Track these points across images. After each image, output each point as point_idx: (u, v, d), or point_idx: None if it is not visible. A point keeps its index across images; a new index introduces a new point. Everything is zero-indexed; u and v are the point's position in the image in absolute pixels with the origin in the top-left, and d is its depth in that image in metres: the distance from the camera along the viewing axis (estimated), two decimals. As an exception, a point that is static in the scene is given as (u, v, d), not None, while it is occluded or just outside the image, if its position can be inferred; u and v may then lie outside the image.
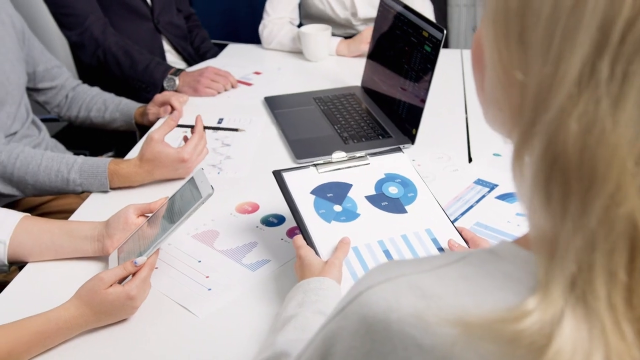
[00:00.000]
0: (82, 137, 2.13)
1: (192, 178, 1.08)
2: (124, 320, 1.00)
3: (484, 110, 0.55)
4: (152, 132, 1.32)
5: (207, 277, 1.09)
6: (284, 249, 1.16)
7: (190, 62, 2.25)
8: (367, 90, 1.79)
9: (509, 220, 1.22)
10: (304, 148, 1.48)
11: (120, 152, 1.85)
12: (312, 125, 1.61)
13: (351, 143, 1.51)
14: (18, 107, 1.59)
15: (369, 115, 1.65)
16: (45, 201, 1.60)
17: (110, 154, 2.11)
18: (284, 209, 1.27)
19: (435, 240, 1.06)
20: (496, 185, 1.33)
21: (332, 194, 1.10)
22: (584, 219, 0.40)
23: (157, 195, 1.32)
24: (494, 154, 1.46)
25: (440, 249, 1.04)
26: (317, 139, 1.54)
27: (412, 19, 1.52)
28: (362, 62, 2.03)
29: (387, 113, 1.64)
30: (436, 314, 0.46)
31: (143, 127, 1.79)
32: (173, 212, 1.04)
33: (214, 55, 2.32)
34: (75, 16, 1.94)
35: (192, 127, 1.39)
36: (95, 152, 1.97)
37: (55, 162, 1.33)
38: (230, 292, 1.05)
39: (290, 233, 1.20)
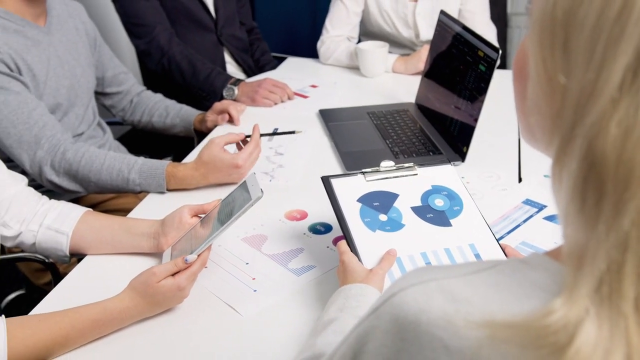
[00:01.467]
0: (143, 141, 2.22)
1: (244, 182, 1.12)
2: (171, 313, 1.04)
3: (523, 120, 0.56)
4: (214, 138, 1.38)
5: (254, 278, 1.13)
6: (329, 257, 1.19)
7: (249, 73, 2.32)
8: (420, 107, 1.81)
9: (556, 242, 1.22)
10: (354, 160, 1.51)
11: (178, 157, 1.92)
12: (364, 138, 1.64)
13: (402, 158, 1.53)
14: (86, 110, 1.68)
15: (421, 131, 1.67)
16: (104, 199, 1.68)
17: (168, 158, 2.19)
18: (331, 218, 1.30)
19: (477, 256, 1.06)
20: (545, 206, 1.33)
21: (379, 203, 1.12)
22: (618, 220, 0.41)
23: (210, 197, 1.37)
24: (545, 176, 1.46)
25: (483, 265, 1.05)
26: (368, 152, 1.57)
27: (469, 38, 1.53)
28: (417, 80, 2.05)
29: (439, 130, 1.66)
30: (464, 317, 0.48)
31: (201, 134, 1.86)
32: (225, 214, 1.08)
33: (273, 67, 2.39)
34: (144, 26, 2.03)
35: (248, 136, 1.44)
36: (154, 156, 2.05)
37: (117, 162, 1.40)
38: (275, 295, 1.09)
39: (336, 242, 1.23)
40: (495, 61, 1.41)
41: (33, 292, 1.65)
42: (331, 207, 1.30)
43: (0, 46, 1.39)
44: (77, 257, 1.23)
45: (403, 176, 1.17)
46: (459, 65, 1.58)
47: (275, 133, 1.54)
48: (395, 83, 2.08)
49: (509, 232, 1.25)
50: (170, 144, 2.24)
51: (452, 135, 1.58)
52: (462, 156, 1.51)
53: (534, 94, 0.52)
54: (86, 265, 1.19)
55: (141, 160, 1.41)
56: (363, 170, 1.17)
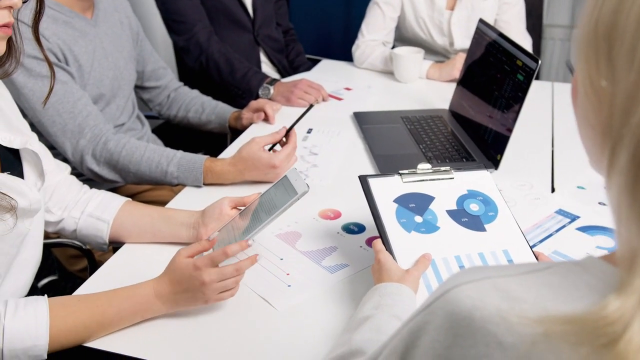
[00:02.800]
0: (174, 136, 2.26)
1: (286, 176, 1.14)
2: (211, 306, 1.06)
3: (585, 146, 0.58)
4: (257, 137, 1.41)
5: (288, 274, 1.15)
6: (363, 256, 1.20)
7: (283, 74, 2.35)
8: (454, 114, 1.83)
9: (589, 252, 1.22)
10: (388, 163, 1.53)
11: (209, 153, 1.96)
12: (397, 142, 1.66)
13: (435, 163, 1.54)
14: (126, 102, 1.72)
15: (454, 137, 1.68)
16: (140, 191, 1.71)
17: (199, 154, 2.23)
18: (364, 218, 1.32)
19: (511, 262, 1.07)
20: (578, 217, 1.33)
21: (414, 205, 1.13)
22: None
23: (245, 193, 1.40)
24: (578, 187, 1.46)
25: (517, 271, 1.06)
26: (402, 156, 1.58)
27: (507, 47, 1.54)
28: (451, 87, 2.07)
29: (472, 137, 1.67)
30: (519, 314, 0.50)
31: (236, 131, 1.88)
32: (267, 207, 1.11)
33: (308, 69, 2.41)
34: (185, 23, 2.07)
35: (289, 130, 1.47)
36: (185, 151, 2.09)
37: (157, 155, 1.43)
38: (309, 290, 1.11)
39: (369, 242, 1.25)
40: (534, 71, 1.41)
41: (66, 278, 1.69)
42: (365, 207, 1.31)
43: (49, 36, 1.43)
44: (115, 245, 1.26)
45: (439, 179, 1.18)
46: (496, 73, 1.58)
47: (299, 118, 1.55)
48: (429, 89, 2.10)
49: (541, 241, 1.26)
50: (201, 140, 2.27)
51: (485, 142, 1.59)
52: (495, 164, 1.52)
53: (583, 108, 0.54)
54: (124, 254, 1.22)
55: (180, 153, 1.44)
56: (400, 171, 1.18)
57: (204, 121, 1.90)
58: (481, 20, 1.75)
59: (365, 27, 2.25)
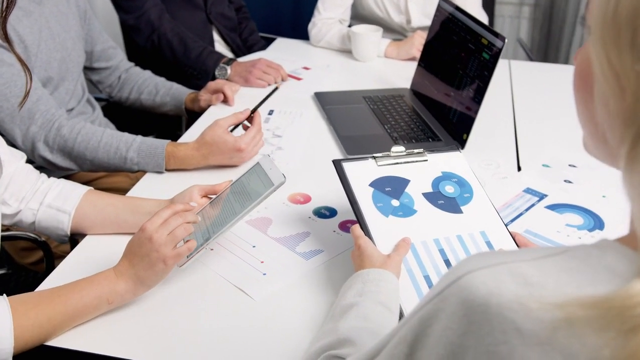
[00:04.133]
0: (124, 119, 2.17)
1: (258, 164, 1.10)
2: (181, 295, 1.02)
3: (588, 127, 0.57)
4: (219, 119, 1.35)
5: (262, 262, 1.11)
6: (337, 241, 1.18)
7: (237, 53, 2.28)
8: (416, 93, 1.81)
9: (559, 230, 1.23)
10: (354, 145, 1.50)
11: (161, 136, 1.89)
12: (362, 123, 1.63)
13: (401, 143, 1.52)
14: (76, 85, 1.63)
15: (418, 117, 1.67)
16: (95, 178, 1.63)
17: (151, 137, 2.15)
18: (335, 202, 1.29)
19: (489, 244, 1.07)
20: (546, 195, 1.34)
21: (390, 188, 1.11)
22: None
23: (209, 178, 1.35)
24: (543, 165, 1.47)
25: (495, 252, 1.05)
26: (368, 137, 1.56)
27: (471, 26, 1.53)
28: (410, 65, 2.05)
29: (436, 117, 1.66)
30: (538, 300, 0.48)
31: (192, 113, 1.82)
32: (241, 197, 1.06)
33: (262, 47, 2.35)
34: (134, 0, 1.97)
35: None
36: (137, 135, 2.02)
37: (115, 140, 1.36)
38: (285, 278, 1.08)
39: (343, 226, 1.22)
40: (500, 50, 1.41)
41: (18, 271, 1.60)
42: (335, 191, 1.29)
43: (-9, 15, 1.33)
44: (77, 236, 1.20)
45: (413, 162, 1.17)
46: (460, 52, 1.57)
47: (263, 100, 1.50)
48: (388, 68, 2.07)
49: (512, 220, 1.26)
50: (153, 122, 2.19)
51: (450, 122, 1.58)
52: (461, 143, 1.51)
53: (602, 95, 0.52)
54: (86, 246, 1.16)
55: (140, 138, 1.38)
56: (374, 154, 1.16)
57: (158, 103, 1.82)
58: (442, -2, 1.73)
59: (321, 4, 2.20)
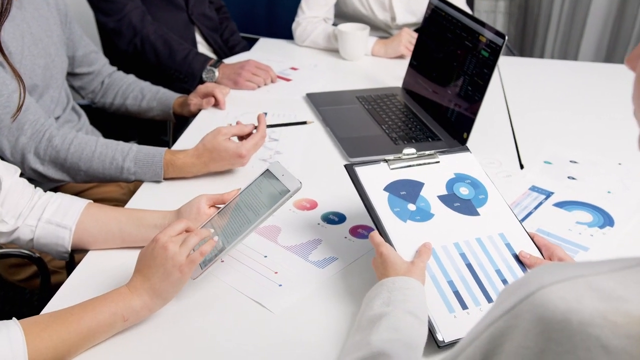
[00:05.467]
0: (105, 125, 2.11)
1: (268, 171, 1.07)
2: (195, 311, 0.98)
3: None
4: (222, 127, 1.31)
5: (276, 272, 1.08)
6: (350, 248, 1.15)
7: (220, 54, 2.23)
8: (409, 92, 1.79)
9: (570, 229, 1.22)
10: (355, 147, 1.47)
11: (144, 143, 1.82)
12: (359, 124, 1.60)
13: (401, 144, 1.50)
14: (60, 92, 1.57)
15: (414, 117, 1.64)
16: (85, 189, 1.57)
17: (132, 142, 2.09)
18: (343, 206, 1.26)
19: (509, 246, 1.05)
20: (552, 193, 1.33)
21: (405, 192, 1.09)
22: None
23: (208, 186, 1.31)
24: (545, 162, 1.47)
25: (515, 255, 1.04)
26: (367, 138, 1.53)
27: (468, 23, 1.51)
28: (398, 63, 2.04)
29: (433, 116, 1.64)
30: (624, 314, 0.46)
31: (179, 118, 1.77)
32: (253, 205, 1.03)
33: (244, 48, 2.31)
34: (114, 3, 1.91)
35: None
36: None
37: (110, 150, 1.31)
38: (302, 289, 1.04)
39: (354, 232, 1.19)
40: (500, 47, 1.39)
41: (6, 288, 1.53)
42: (342, 195, 1.28)
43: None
44: (78, 252, 1.14)
45: (426, 164, 1.14)
46: (456, 50, 1.55)
47: (284, 124, 1.46)
48: (376, 67, 2.05)
49: (522, 220, 1.25)
50: (135, 127, 2.13)
51: (448, 120, 1.56)
52: (462, 142, 1.49)
53: None
54: (90, 263, 1.10)
55: (135, 147, 1.32)
56: (386, 158, 1.13)
57: (145, 108, 1.76)
58: (434, -5, 1.71)
59: (305, 3, 2.17)
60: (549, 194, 1.33)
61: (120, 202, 1.59)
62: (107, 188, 1.59)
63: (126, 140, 2.15)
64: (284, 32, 2.63)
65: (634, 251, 1.15)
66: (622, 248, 1.17)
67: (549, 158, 1.48)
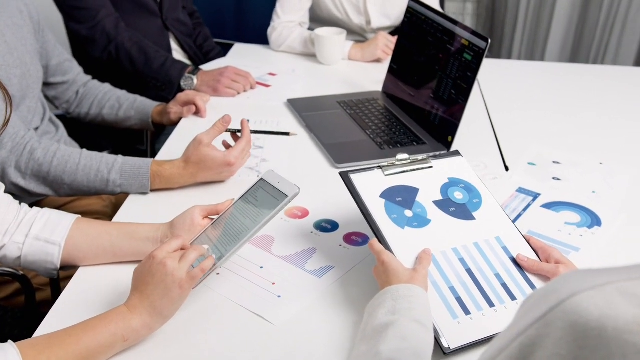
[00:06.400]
0: (76, 136, 2.06)
1: (263, 180, 1.06)
2: (195, 325, 0.96)
3: None
4: (201, 135, 1.28)
5: (274, 283, 1.06)
6: (345, 256, 1.14)
7: (195, 60, 2.20)
8: (390, 96, 1.79)
9: (560, 229, 1.24)
10: (341, 153, 1.47)
11: (117, 152, 1.78)
12: (343, 129, 1.60)
13: (387, 149, 1.50)
14: (37, 102, 1.52)
15: (397, 121, 1.65)
16: (66, 202, 1.53)
17: (106, 152, 2.05)
18: (335, 214, 1.26)
19: (505, 249, 1.06)
20: (539, 194, 1.35)
21: (401, 198, 1.08)
22: None
23: (196, 196, 1.28)
24: (529, 163, 1.48)
25: (513, 259, 1.04)
26: (353, 144, 1.52)
27: (449, 27, 1.52)
28: (375, 67, 2.05)
29: (415, 119, 1.64)
30: None
31: (158, 127, 1.74)
32: (250, 214, 1.01)
33: (218, 54, 2.28)
34: (87, 9, 1.86)
35: (236, 131, 1.36)
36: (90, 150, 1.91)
37: (95, 162, 1.28)
38: (302, 299, 1.03)
39: (348, 239, 1.19)
40: (484, 50, 1.40)
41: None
42: (333, 203, 1.27)
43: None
44: (67, 269, 1.11)
45: (419, 169, 1.14)
46: (437, 53, 1.56)
47: (267, 132, 1.44)
48: (353, 71, 2.05)
49: (513, 222, 1.25)
50: (108, 137, 2.08)
51: (432, 124, 1.57)
52: (447, 146, 1.50)
53: None
54: (82, 280, 1.07)
55: (121, 158, 1.29)
56: (380, 164, 1.12)
57: (122, 118, 1.73)
58: (413, -1, 1.72)
59: (280, 8, 2.15)
60: (536, 196, 1.35)
61: (102, 214, 1.56)
62: (88, 201, 1.55)
63: (99, 150, 2.12)
64: (254, 37, 2.61)
65: (624, 250, 1.17)
66: (611, 247, 1.18)
67: (533, 159, 1.50)
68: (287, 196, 1.00)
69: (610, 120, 1.75)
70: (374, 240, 1.01)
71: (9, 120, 0.98)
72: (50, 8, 1.99)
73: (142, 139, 2.03)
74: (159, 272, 0.90)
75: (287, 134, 1.43)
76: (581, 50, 3.29)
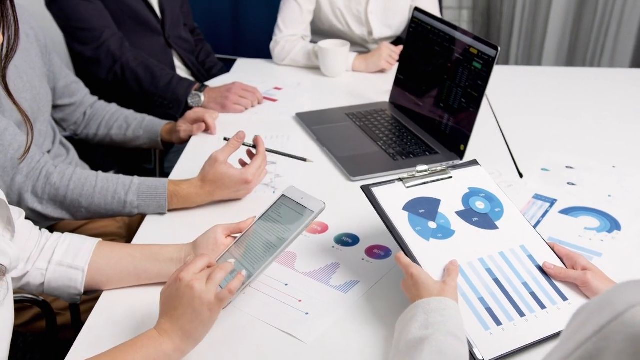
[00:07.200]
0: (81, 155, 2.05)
1: (284, 196, 1.06)
2: (224, 347, 0.95)
3: None
4: (216, 153, 1.28)
5: (300, 300, 1.06)
6: (369, 270, 1.13)
7: (198, 77, 2.20)
8: (397, 106, 1.79)
9: (580, 235, 1.24)
10: (355, 165, 1.47)
11: (122, 171, 1.77)
12: (354, 141, 1.60)
13: (400, 160, 1.50)
14: (47, 125, 1.52)
15: (407, 131, 1.65)
16: (80, 225, 1.52)
17: (111, 172, 2.04)
18: (354, 227, 1.25)
19: (531, 257, 1.06)
20: (555, 200, 1.35)
21: (424, 210, 1.08)
22: None
23: (213, 215, 1.28)
24: (542, 169, 1.49)
25: (539, 267, 1.04)
26: (366, 156, 1.52)
27: (457, 36, 1.53)
28: (379, 77, 2.05)
29: (425, 129, 1.64)
30: None
31: (167, 145, 1.73)
32: (275, 231, 1.01)
33: (221, 69, 2.28)
34: (91, 30, 1.86)
35: (251, 146, 1.35)
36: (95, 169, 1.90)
37: (112, 184, 1.27)
38: (330, 315, 1.02)
39: (370, 252, 1.18)
40: (494, 59, 1.41)
41: None
42: (352, 216, 1.27)
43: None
44: (90, 294, 1.10)
45: (440, 180, 1.14)
46: (446, 63, 1.57)
47: (284, 154, 1.43)
48: (358, 82, 2.05)
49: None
50: (115, 157, 2.08)
51: (443, 134, 1.57)
52: (459, 154, 1.51)
53: None
54: (106, 304, 1.06)
55: (137, 179, 1.29)
56: (400, 177, 1.12)
57: (130, 137, 1.72)
58: (417, 9, 1.72)
59: (282, 22, 2.16)
60: (552, 202, 1.35)
61: (117, 236, 1.55)
62: (102, 223, 1.54)
63: (104, 170, 2.11)
64: (252, 51, 2.62)
65: (646, 254, 1.18)
66: (634, 251, 1.18)
67: (546, 165, 1.50)
68: (313, 212, 1.00)
69: (618, 122, 1.76)
70: (401, 254, 1.01)
71: (30, 147, 0.98)
72: (50, 29, 1.99)
73: (148, 158, 2.03)
74: (186, 295, 0.88)
75: (304, 159, 1.42)
76: (577, 53, 3.31)
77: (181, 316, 0.89)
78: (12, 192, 1.25)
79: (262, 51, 2.34)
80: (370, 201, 1.08)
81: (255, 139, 1.34)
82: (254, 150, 1.35)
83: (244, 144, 1.34)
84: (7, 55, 0.88)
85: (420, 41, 1.69)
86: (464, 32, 1.51)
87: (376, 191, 1.09)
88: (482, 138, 1.64)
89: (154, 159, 1.97)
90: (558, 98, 1.95)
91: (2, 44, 0.83)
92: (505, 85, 2.05)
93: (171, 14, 2.10)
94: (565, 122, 1.76)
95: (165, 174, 2.02)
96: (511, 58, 3.38)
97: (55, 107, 1.67)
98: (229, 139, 1.32)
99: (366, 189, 1.09)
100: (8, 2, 0.80)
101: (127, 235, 1.61)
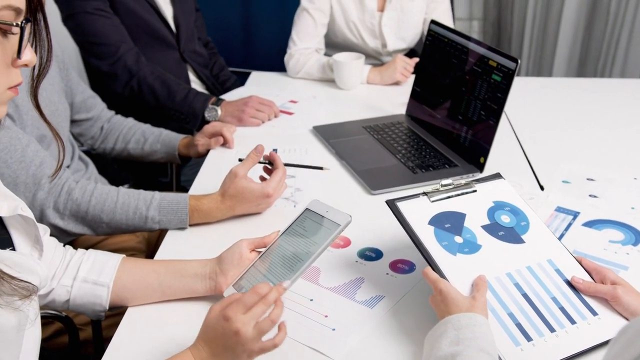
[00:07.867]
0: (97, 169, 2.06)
1: (308, 209, 1.06)
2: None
3: None
4: (236, 168, 1.27)
5: (326, 316, 1.05)
6: (394, 284, 1.13)
7: (213, 90, 2.20)
8: (414, 119, 1.79)
9: (605, 248, 1.23)
10: (375, 179, 1.46)
11: (138, 185, 1.78)
12: (373, 155, 1.59)
13: (420, 173, 1.49)
14: (66, 140, 1.52)
15: (425, 144, 1.64)
16: (99, 240, 1.52)
17: (126, 185, 2.04)
18: (377, 241, 1.25)
19: (559, 272, 1.05)
20: (578, 213, 1.34)
21: (450, 225, 1.08)
22: None
23: (234, 230, 1.28)
24: (563, 181, 1.48)
25: (567, 282, 1.03)
26: (385, 169, 1.52)
27: (474, 48, 1.53)
28: (394, 89, 2.05)
29: (443, 142, 1.64)
30: None
31: (183, 159, 1.73)
32: (301, 245, 1.00)
33: (234, 82, 2.28)
34: (108, 45, 1.87)
35: (266, 163, 1.35)
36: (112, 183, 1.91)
37: (133, 199, 1.27)
38: (357, 331, 1.02)
39: (394, 267, 1.18)
40: (514, 71, 1.40)
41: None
42: (374, 230, 1.26)
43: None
44: (115, 310, 1.09)
45: (464, 194, 1.13)
46: (464, 75, 1.56)
47: (299, 165, 1.43)
48: (373, 94, 2.05)
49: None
50: (127, 171, 2.08)
51: (462, 146, 1.57)
52: (479, 167, 1.50)
53: None
54: (132, 320, 1.05)
55: (158, 194, 1.28)
56: (425, 191, 1.12)
57: (148, 151, 1.72)
58: (434, 22, 1.72)
59: (296, 35, 2.16)
60: (575, 214, 1.34)
61: (137, 250, 1.55)
62: (122, 237, 1.54)
63: (119, 184, 2.11)
64: (264, 64, 2.62)
65: (673, 267, 1.16)
66: (660, 264, 1.17)
67: (566, 177, 1.49)
68: (339, 225, 0.99)
69: (634, 133, 1.75)
70: (428, 269, 1.00)
71: (61, 164, 0.98)
72: (65, 44, 2.00)
73: (164, 171, 2.03)
74: (230, 339, 0.86)
75: (320, 168, 1.42)
76: (588, 64, 3.31)
77: (221, 354, 0.87)
78: (34, 208, 1.25)
79: (274, 64, 2.35)
80: (395, 216, 1.07)
81: (271, 155, 1.33)
82: (269, 167, 1.35)
83: (259, 162, 1.34)
84: (39, 74, 0.88)
85: (437, 54, 1.69)
86: (482, 45, 1.51)
87: (401, 206, 1.08)
88: (500, 150, 1.63)
89: (170, 172, 1.97)
90: (572, 109, 1.94)
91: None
92: (519, 96, 2.04)
93: (186, 28, 2.10)
94: (581, 134, 1.75)
95: (181, 187, 2.02)
96: (522, 69, 3.38)
97: (72, 121, 1.67)
98: (242, 160, 1.32)
99: (391, 204, 1.09)
100: (42, 22, 0.80)
101: (147, 249, 1.61)
